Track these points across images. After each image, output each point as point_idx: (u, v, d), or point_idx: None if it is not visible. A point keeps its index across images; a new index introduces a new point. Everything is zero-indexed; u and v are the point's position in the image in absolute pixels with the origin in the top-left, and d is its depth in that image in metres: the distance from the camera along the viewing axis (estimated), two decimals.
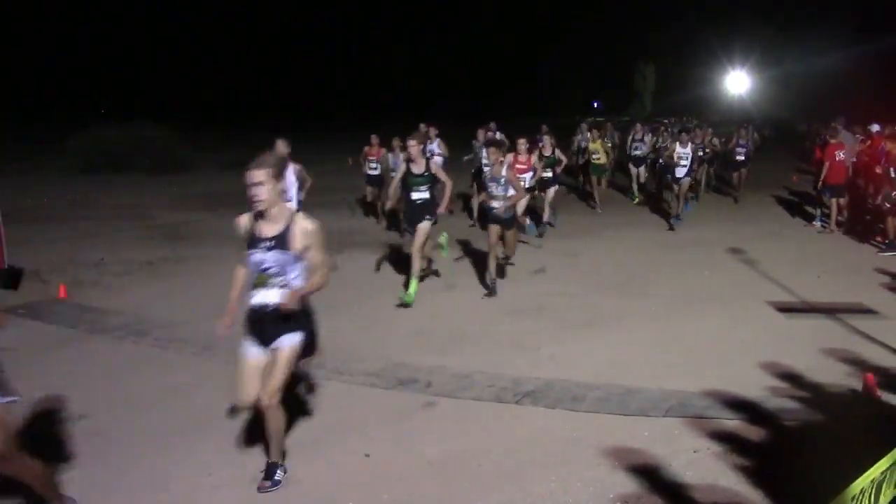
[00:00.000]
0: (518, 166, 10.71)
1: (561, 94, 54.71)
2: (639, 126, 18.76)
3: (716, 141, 18.85)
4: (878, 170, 12.01)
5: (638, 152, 17.80)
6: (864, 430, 4.93)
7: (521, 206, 10.96)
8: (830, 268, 10.23)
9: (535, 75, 54.26)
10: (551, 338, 7.40)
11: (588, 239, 12.98)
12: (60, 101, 45.57)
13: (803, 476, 4.32)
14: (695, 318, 8.10)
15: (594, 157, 16.74)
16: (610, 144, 19.17)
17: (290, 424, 5.55)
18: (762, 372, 6.30)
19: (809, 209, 15.02)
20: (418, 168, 8.70)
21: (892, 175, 11.37)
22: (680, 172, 14.16)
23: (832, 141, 13.16)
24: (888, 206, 11.37)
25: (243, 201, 4.44)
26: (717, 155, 18.95)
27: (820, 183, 13.30)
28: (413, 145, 8.69)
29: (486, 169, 11.13)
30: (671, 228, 13.92)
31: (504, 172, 8.95)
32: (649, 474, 4.60)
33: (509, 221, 9.12)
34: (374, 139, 14.61)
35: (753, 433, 5.15)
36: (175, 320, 8.10)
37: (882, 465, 3.17)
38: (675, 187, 14.52)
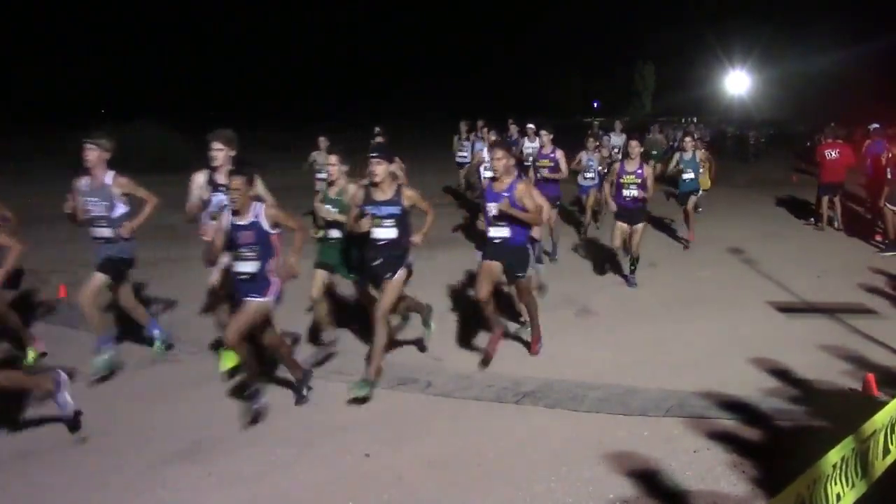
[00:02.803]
0: None
1: (560, 94, 54.70)
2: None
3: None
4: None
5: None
6: None
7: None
8: (830, 268, 10.22)
9: (534, 75, 54.20)
10: (551, 338, 7.39)
11: (587, 240, 12.98)
12: (60, 101, 45.59)
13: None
14: (695, 317, 8.10)
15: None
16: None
17: (289, 424, 5.57)
18: (762, 372, 6.31)
19: (810, 209, 15.01)
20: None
21: (889, 176, 11.35)
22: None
23: (827, 140, 13.37)
24: (890, 207, 11.34)
25: None
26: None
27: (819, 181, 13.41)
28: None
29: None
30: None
31: None
32: (649, 474, 4.60)
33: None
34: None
35: (753, 433, 5.15)
36: (175, 320, 8.10)
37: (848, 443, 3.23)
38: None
